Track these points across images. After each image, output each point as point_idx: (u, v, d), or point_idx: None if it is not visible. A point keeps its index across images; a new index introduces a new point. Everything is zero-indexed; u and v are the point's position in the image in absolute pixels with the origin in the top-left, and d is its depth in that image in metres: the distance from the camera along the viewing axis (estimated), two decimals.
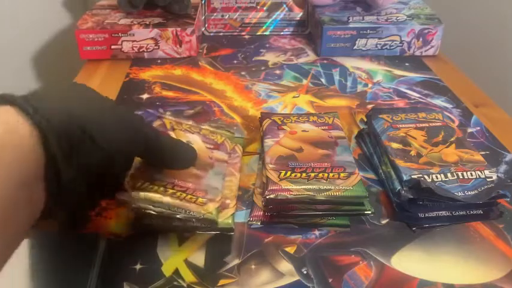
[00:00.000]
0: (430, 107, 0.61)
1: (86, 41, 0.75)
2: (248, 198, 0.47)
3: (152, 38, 0.76)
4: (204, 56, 0.79)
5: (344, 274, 0.39)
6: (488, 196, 0.42)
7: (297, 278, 0.39)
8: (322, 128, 0.51)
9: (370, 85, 0.70)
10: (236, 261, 0.40)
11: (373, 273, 0.40)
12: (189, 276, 0.39)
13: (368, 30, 0.77)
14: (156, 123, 0.49)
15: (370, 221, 0.45)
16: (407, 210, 0.44)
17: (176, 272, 0.40)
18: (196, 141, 0.49)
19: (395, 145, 0.48)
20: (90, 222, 0.44)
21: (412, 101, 0.66)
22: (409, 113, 0.54)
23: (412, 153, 0.47)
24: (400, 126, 0.51)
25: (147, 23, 0.77)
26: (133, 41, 0.76)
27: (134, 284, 0.38)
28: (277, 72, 0.74)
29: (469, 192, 0.43)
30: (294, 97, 0.67)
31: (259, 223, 0.44)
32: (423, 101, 0.66)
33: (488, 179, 0.44)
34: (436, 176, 0.44)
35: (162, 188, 0.41)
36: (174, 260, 0.41)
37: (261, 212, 0.44)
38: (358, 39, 0.77)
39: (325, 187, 0.42)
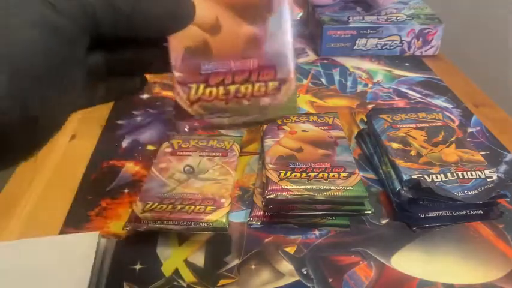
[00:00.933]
0: (430, 107, 0.61)
1: None
2: (248, 198, 0.47)
3: None
4: None
5: (344, 274, 0.39)
6: (488, 196, 0.42)
7: (297, 278, 0.39)
8: (322, 128, 0.51)
9: (370, 85, 0.70)
10: (236, 262, 0.40)
11: (373, 273, 0.40)
12: (189, 276, 0.39)
13: (368, 30, 0.77)
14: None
15: (370, 221, 0.45)
16: (407, 210, 0.44)
17: (176, 272, 0.40)
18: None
19: (395, 145, 0.48)
20: (90, 222, 0.45)
21: (412, 101, 0.66)
22: (409, 113, 0.54)
23: (412, 153, 0.47)
24: (400, 126, 0.51)
25: None
26: None
27: (134, 284, 0.38)
28: None
29: (469, 192, 0.43)
30: None
31: (259, 223, 0.44)
32: (423, 101, 0.66)
33: (488, 179, 0.44)
34: (436, 176, 0.44)
35: (171, 206, 0.42)
36: (174, 260, 0.41)
37: (261, 212, 0.44)
38: (358, 39, 0.77)
39: (325, 187, 0.42)
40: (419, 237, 0.43)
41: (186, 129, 0.31)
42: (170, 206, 0.43)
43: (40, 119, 0.22)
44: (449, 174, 0.44)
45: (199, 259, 0.41)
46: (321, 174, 0.43)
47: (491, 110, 0.65)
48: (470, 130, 0.59)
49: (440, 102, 0.66)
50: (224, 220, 0.43)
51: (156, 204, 0.43)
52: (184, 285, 0.38)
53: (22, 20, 0.22)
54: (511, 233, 0.44)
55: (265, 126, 0.52)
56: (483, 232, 0.44)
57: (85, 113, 0.53)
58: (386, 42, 0.78)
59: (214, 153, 0.50)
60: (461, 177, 0.44)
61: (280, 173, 0.44)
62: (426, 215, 0.44)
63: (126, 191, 0.48)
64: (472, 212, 0.44)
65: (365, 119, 0.56)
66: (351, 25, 0.77)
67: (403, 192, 0.43)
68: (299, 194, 0.42)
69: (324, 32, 0.76)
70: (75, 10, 0.23)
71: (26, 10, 0.22)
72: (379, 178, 0.50)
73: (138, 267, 0.40)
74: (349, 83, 0.71)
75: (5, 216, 0.46)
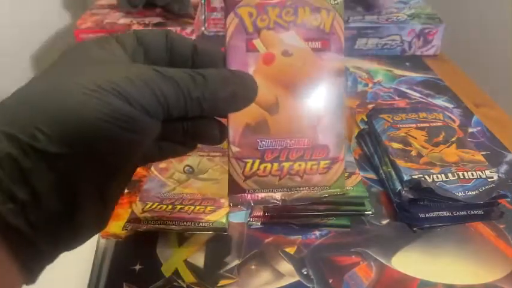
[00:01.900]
0: (431, 107, 0.61)
1: None
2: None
3: None
4: None
5: (344, 275, 0.39)
6: (489, 196, 0.42)
7: (297, 278, 0.39)
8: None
9: (370, 85, 0.70)
10: (236, 262, 0.40)
11: (373, 273, 0.40)
12: (188, 277, 0.39)
13: (368, 30, 0.76)
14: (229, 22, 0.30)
15: (370, 221, 0.45)
16: (407, 211, 0.44)
17: (176, 272, 0.39)
18: (293, 43, 0.31)
19: (396, 145, 0.48)
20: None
21: (413, 101, 0.66)
22: (410, 113, 0.54)
23: (413, 153, 0.47)
24: (401, 126, 0.51)
25: (147, 22, 0.77)
26: None
27: (134, 284, 0.38)
28: None
29: (470, 193, 0.43)
30: None
31: (259, 223, 0.44)
32: (424, 100, 0.66)
33: (489, 179, 0.44)
34: (437, 176, 0.44)
35: (170, 206, 0.42)
36: (173, 260, 0.41)
37: (261, 212, 0.44)
38: (359, 39, 0.77)
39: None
40: (419, 238, 0.43)
41: (240, 206, 0.33)
42: (170, 206, 0.43)
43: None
44: (449, 175, 0.44)
45: (199, 259, 0.41)
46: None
47: (492, 110, 0.64)
48: (470, 130, 0.59)
49: (440, 102, 0.66)
50: (224, 220, 0.42)
51: (156, 204, 0.43)
52: (184, 285, 0.38)
53: (94, 111, 0.21)
54: (511, 233, 0.44)
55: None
56: (484, 232, 0.44)
57: None
58: (386, 42, 0.77)
59: (214, 153, 0.50)
60: (461, 177, 0.44)
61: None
62: (427, 215, 0.44)
63: (125, 191, 0.48)
64: (472, 212, 0.44)
65: (365, 119, 0.56)
66: (351, 25, 0.77)
67: (404, 192, 0.43)
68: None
69: None
70: (147, 101, 0.23)
71: (98, 101, 0.22)
72: (379, 178, 0.50)
73: (137, 267, 0.40)
74: (349, 83, 0.71)
75: None
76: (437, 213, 0.44)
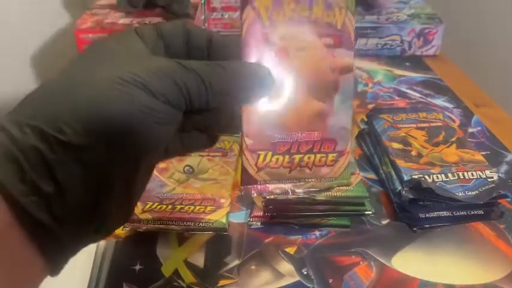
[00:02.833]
0: (431, 107, 0.61)
1: (86, 41, 0.75)
2: (248, 199, 0.47)
3: None
4: None
5: (344, 274, 0.39)
6: (489, 196, 0.42)
7: (297, 278, 0.39)
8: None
9: (370, 85, 0.70)
10: (236, 262, 0.40)
11: (373, 273, 0.39)
12: (188, 277, 0.39)
13: (368, 30, 0.76)
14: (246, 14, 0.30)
15: (370, 222, 0.45)
16: (407, 211, 0.44)
17: (176, 272, 0.39)
18: (307, 38, 0.31)
19: (396, 145, 0.48)
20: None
21: (413, 101, 0.65)
22: (410, 113, 0.54)
23: (413, 153, 0.47)
24: (401, 126, 0.51)
25: (147, 22, 0.77)
26: None
27: (134, 284, 0.38)
28: None
29: (470, 193, 0.42)
30: None
31: (259, 223, 0.44)
32: (424, 100, 0.66)
33: (489, 179, 0.44)
34: (437, 176, 0.44)
35: (170, 206, 0.42)
36: (173, 260, 0.41)
37: (261, 212, 0.44)
38: (359, 39, 0.77)
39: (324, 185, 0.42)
40: (419, 238, 0.43)
41: (254, 195, 0.34)
42: (170, 206, 0.43)
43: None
44: (449, 175, 0.44)
45: (199, 259, 0.41)
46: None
47: (492, 110, 0.64)
48: (470, 130, 0.59)
49: (440, 102, 0.66)
50: (224, 220, 0.42)
51: (156, 204, 0.43)
52: (184, 285, 0.38)
53: (118, 103, 0.22)
54: (511, 233, 0.44)
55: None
56: (484, 232, 0.44)
57: None
58: (386, 42, 0.77)
59: (214, 153, 0.50)
60: (461, 177, 0.44)
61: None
62: (427, 215, 0.44)
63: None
64: (472, 213, 0.44)
65: (365, 119, 0.56)
66: None
67: (404, 192, 0.43)
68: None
69: None
70: (171, 93, 0.23)
71: (123, 94, 0.22)
72: (379, 178, 0.50)
73: (137, 267, 0.40)
74: None
75: None
76: (437, 213, 0.44)
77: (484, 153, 0.53)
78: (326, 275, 0.39)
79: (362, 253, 0.41)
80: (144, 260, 0.40)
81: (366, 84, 0.70)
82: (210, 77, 0.25)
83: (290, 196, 0.39)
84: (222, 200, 0.44)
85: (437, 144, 0.48)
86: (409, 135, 0.50)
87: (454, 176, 0.44)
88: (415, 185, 0.43)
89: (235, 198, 0.47)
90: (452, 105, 0.65)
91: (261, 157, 0.32)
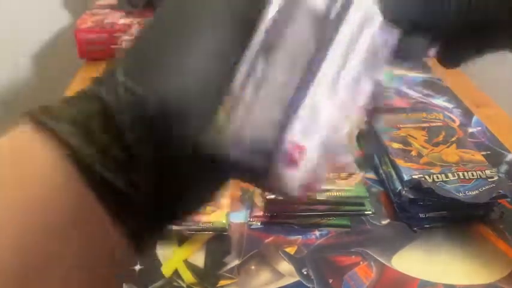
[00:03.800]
0: (431, 107, 0.61)
1: (86, 41, 0.75)
2: (248, 199, 0.47)
3: None
4: None
5: (344, 274, 0.39)
6: (489, 196, 0.42)
7: (297, 278, 0.39)
8: None
9: None
10: (236, 262, 0.40)
11: (373, 273, 0.39)
12: (188, 277, 0.39)
13: None
14: None
15: (370, 221, 0.45)
16: (407, 211, 0.44)
17: (176, 272, 0.39)
18: None
19: (396, 145, 0.48)
20: None
21: (413, 101, 0.65)
22: (410, 113, 0.54)
23: (413, 153, 0.47)
24: (401, 126, 0.51)
25: None
26: None
27: (134, 284, 0.38)
28: None
29: (470, 193, 0.42)
30: None
31: (259, 223, 0.44)
32: (424, 101, 0.66)
33: (489, 179, 0.44)
34: (437, 176, 0.43)
35: None
36: (173, 260, 0.40)
37: (261, 212, 0.44)
38: None
39: (325, 187, 0.42)
40: (419, 238, 0.43)
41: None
42: None
43: None
44: (450, 175, 0.44)
45: (199, 260, 0.41)
46: None
47: (492, 110, 0.64)
48: (471, 130, 0.59)
49: (440, 102, 0.66)
50: (224, 220, 0.42)
51: None
52: (184, 285, 0.38)
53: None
54: (511, 233, 0.44)
55: None
56: (484, 232, 0.44)
57: None
58: None
59: None
60: (462, 177, 0.44)
61: None
62: (427, 215, 0.44)
63: None
64: (472, 213, 0.44)
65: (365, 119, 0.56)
66: None
67: (404, 192, 0.43)
68: None
69: None
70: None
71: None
72: (379, 178, 0.49)
73: (137, 267, 0.40)
74: None
75: None
76: (437, 213, 0.44)
77: (484, 153, 0.53)
78: (326, 275, 0.39)
79: (362, 253, 0.41)
80: (144, 260, 0.40)
81: None
82: None
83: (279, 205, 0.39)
84: (222, 200, 0.44)
85: (437, 144, 0.48)
86: (409, 135, 0.50)
87: (454, 176, 0.44)
88: (415, 185, 0.43)
89: (235, 198, 0.47)
90: (452, 105, 0.65)
91: None
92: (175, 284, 0.38)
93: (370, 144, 0.53)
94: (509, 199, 0.45)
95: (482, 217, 0.44)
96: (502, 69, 1.05)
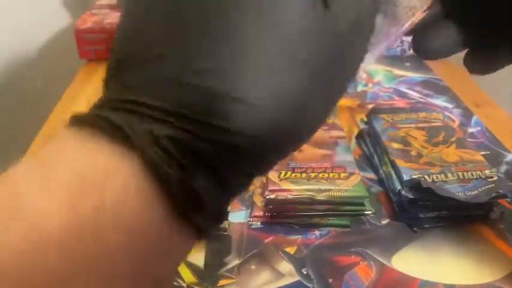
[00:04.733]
0: (431, 107, 0.61)
1: (86, 41, 0.75)
2: (248, 198, 0.47)
3: None
4: None
5: (344, 274, 0.39)
6: (488, 196, 0.42)
7: (297, 278, 0.39)
8: (322, 128, 0.51)
9: (370, 85, 0.70)
10: (236, 262, 0.40)
11: (373, 273, 0.40)
12: (188, 277, 0.39)
13: None
14: None
15: (370, 221, 0.45)
16: (407, 211, 0.44)
17: (176, 272, 0.39)
18: None
19: (395, 145, 0.48)
20: None
21: (413, 101, 0.66)
22: (410, 113, 0.54)
23: (413, 153, 0.47)
24: (401, 126, 0.51)
25: None
26: None
27: None
28: None
29: (470, 193, 0.42)
30: None
31: (259, 223, 0.44)
32: (423, 100, 0.66)
33: (488, 179, 0.44)
34: (437, 176, 0.44)
35: None
36: None
37: (261, 212, 0.44)
38: None
39: (325, 187, 0.42)
40: (419, 238, 0.43)
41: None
42: None
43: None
44: (449, 174, 0.44)
45: (199, 259, 0.41)
46: (321, 175, 0.43)
47: (491, 110, 0.64)
48: (470, 130, 0.59)
49: (440, 102, 0.66)
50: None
51: None
52: (184, 285, 0.38)
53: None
54: (511, 233, 0.44)
55: None
56: (484, 232, 0.44)
57: None
58: None
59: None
60: (461, 177, 0.44)
61: (280, 173, 0.43)
62: (426, 215, 0.44)
63: None
64: (472, 213, 0.44)
65: (365, 119, 0.56)
66: None
67: (404, 192, 0.43)
68: (299, 194, 0.41)
69: None
70: None
71: None
72: (379, 178, 0.50)
73: None
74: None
75: None
76: (437, 213, 0.44)
77: (483, 153, 0.53)
78: (326, 275, 0.39)
79: (362, 253, 0.41)
80: None
81: (366, 84, 0.70)
82: None
83: (290, 196, 0.40)
84: None
85: (437, 144, 0.48)
86: (409, 135, 0.50)
87: (453, 176, 0.44)
88: (415, 185, 0.43)
89: (235, 198, 0.47)
90: (452, 105, 0.65)
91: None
92: (175, 283, 0.38)
93: (370, 144, 0.53)
94: (509, 199, 0.45)
95: (482, 217, 0.44)
96: (502, 69, 1.05)
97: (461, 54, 0.24)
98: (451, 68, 0.76)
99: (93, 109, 0.16)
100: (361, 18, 0.17)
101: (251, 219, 0.44)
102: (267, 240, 0.43)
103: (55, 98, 0.65)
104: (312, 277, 0.39)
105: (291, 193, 0.41)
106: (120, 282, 0.15)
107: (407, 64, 0.76)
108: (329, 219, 0.44)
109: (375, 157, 0.51)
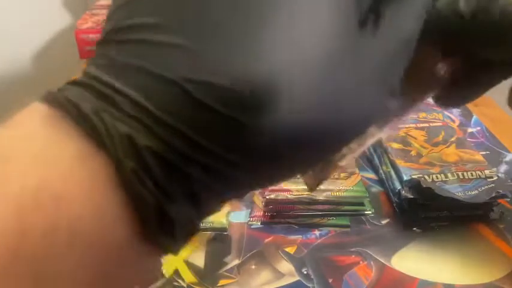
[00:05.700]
0: (431, 107, 0.61)
1: (86, 41, 0.75)
2: (248, 198, 0.47)
3: None
4: None
5: (344, 274, 0.39)
6: (488, 196, 0.42)
7: (297, 278, 0.39)
8: None
9: None
10: (236, 262, 0.40)
11: (373, 273, 0.40)
12: (189, 277, 0.39)
13: None
14: None
15: (370, 221, 0.45)
16: (407, 211, 0.44)
17: (176, 272, 0.39)
18: None
19: (395, 145, 0.48)
20: None
21: None
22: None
23: (413, 153, 0.47)
24: (401, 126, 0.51)
25: None
26: None
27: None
28: None
29: (470, 192, 0.43)
30: None
31: (259, 223, 0.44)
32: None
33: (488, 179, 0.44)
34: (437, 176, 0.44)
35: None
36: (174, 260, 0.41)
37: (261, 212, 0.44)
38: None
39: (325, 187, 0.42)
40: (419, 237, 0.43)
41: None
42: None
43: None
44: (449, 174, 0.44)
45: (199, 259, 0.41)
46: None
47: (492, 110, 0.64)
48: (470, 130, 0.59)
49: None
50: (224, 220, 0.42)
51: None
52: (184, 285, 0.38)
53: None
54: (511, 233, 0.44)
55: None
56: (483, 232, 0.44)
57: None
58: None
59: None
60: (461, 177, 0.44)
61: None
62: (426, 215, 0.44)
63: None
64: (472, 212, 0.44)
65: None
66: None
67: (403, 192, 0.43)
68: (299, 194, 0.41)
69: None
70: None
71: None
72: (379, 178, 0.50)
73: None
74: None
75: None
76: (437, 213, 0.44)
77: (483, 153, 0.53)
78: (326, 275, 0.39)
79: (362, 253, 0.41)
80: None
81: None
82: None
83: (290, 196, 0.40)
84: None
85: (436, 144, 0.48)
86: (409, 135, 0.50)
87: (453, 175, 0.44)
88: (415, 185, 0.43)
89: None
90: None
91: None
92: (175, 283, 0.38)
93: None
94: (508, 199, 0.45)
95: (482, 217, 0.44)
96: None
97: None
98: None
99: (71, 84, 0.14)
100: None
101: (251, 219, 0.44)
102: (267, 240, 0.43)
103: None
104: (312, 277, 0.39)
105: (291, 193, 0.41)
106: None
107: None
108: (329, 219, 0.44)
109: (375, 157, 0.51)
